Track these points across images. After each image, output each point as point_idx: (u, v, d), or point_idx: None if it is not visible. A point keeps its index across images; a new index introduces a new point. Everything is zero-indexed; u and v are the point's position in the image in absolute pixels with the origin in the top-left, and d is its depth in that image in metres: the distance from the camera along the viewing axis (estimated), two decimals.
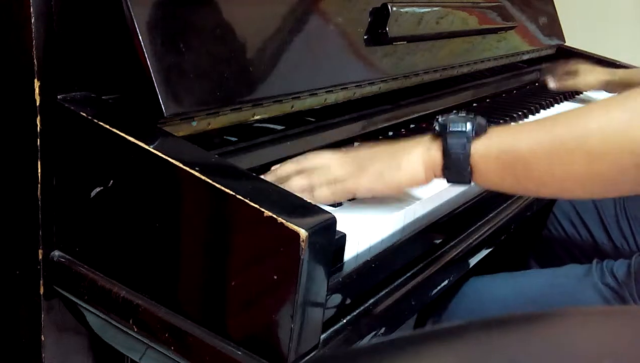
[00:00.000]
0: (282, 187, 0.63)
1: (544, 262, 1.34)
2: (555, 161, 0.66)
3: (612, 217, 1.24)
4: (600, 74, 1.48)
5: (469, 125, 0.69)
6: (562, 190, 0.70)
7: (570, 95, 1.55)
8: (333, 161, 0.75)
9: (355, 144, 0.97)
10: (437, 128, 0.72)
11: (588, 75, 1.48)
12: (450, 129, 0.70)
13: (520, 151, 0.67)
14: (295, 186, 0.72)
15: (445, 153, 0.70)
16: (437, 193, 0.83)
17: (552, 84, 1.50)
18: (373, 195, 0.74)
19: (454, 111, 0.74)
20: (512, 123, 0.82)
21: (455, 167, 0.70)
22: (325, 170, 0.73)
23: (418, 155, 0.72)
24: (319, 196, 0.72)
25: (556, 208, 1.32)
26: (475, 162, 0.69)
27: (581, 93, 1.58)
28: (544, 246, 1.35)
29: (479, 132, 0.69)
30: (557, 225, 1.32)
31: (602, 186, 0.67)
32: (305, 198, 0.58)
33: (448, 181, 0.72)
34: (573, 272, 1.03)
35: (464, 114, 0.71)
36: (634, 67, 1.66)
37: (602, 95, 1.50)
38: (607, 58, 1.70)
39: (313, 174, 0.73)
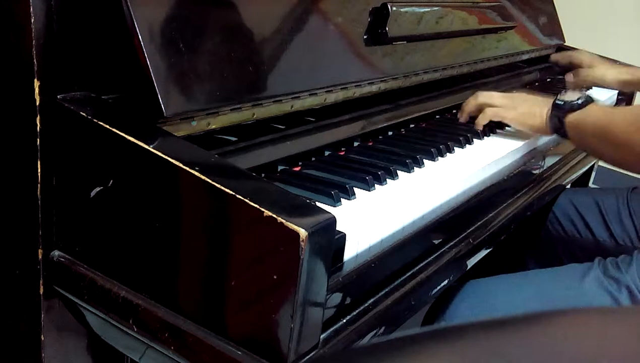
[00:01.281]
0: (465, 109, 1.12)
1: (543, 261, 1.33)
2: (595, 140, 0.99)
3: (615, 213, 1.24)
4: (621, 70, 1.47)
5: (569, 101, 1.03)
6: (602, 160, 1.05)
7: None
8: (497, 95, 1.12)
9: (355, 143, 0.97)
10: (553, 101, 1.06)
11: (607, 71, 1.47)
12: (555, 103, 1.05)
13: (584, 128, 1.01)
14: (470, 107, 1.12)
15: (550, 119, 1.05)
16: (436, 193, 0.83)
17: (570, 78, 1.50)
18: (514, 126, 1.11)
19: (574, 91, 1.07)
20: (562, 92, 1.08)
21: (556, 130, 1.05)
22: (490, 100, 1.11)
23: (544, 114, 1.06)
24: (482, 116, 1.09)
25: (556, 207, 1.32)
26: (566, 128, 1.03)
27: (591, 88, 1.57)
28: (544, 245, 1.35)
29: (574, 107, 1.02)
30: (556, 224, 1.32)
31: (624, 166, 1.00)
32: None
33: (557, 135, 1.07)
34: (575, 270, 1.03)
35: (578, 91, 1.08)
36: (633, 67, 1.66)
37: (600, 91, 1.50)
38: (607, 58, 1.69)
39: (481, 102, 1.11)
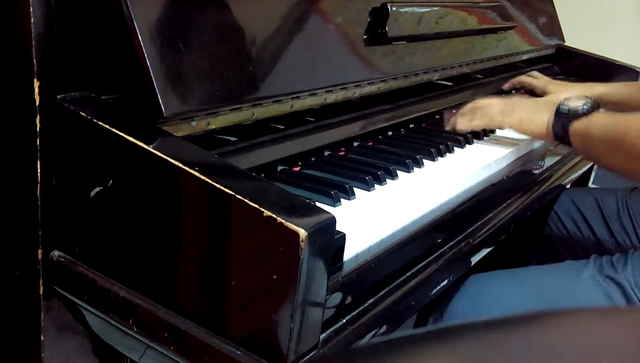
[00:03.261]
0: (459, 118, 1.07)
1: (545, 260, 1.33)
2: (606, 149, 0.93)
3: (614, 213, 1.24)
4: (578, 90, 1.36)
5: (573, 108, 0.99)
6: (611, 170, 0.96)
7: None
8: (493, 101, 1.09)
9: (355, 143, 0.97)
10: (557, 105, 1.01)
11: (563, 93, 1.35)
12: (559, 110, 1.00)
13: (591, 136, 0.96)
14: (460, 118, 1.08)
15: (554, 126, 1.00)
16: (436, 194, 0.83)
17: None
18: (512, 129, 1.07)
19: (578, 97, 1.03)
20: (566, 98, 1.02)
21: (558, 137, 1.00)
22: (486, 107, 1.08)
23: (545, 120, 1.02)
24: (475, 123, 1.06)
25: (557, 206, 1.32)
26: (570, 136, 0.98)
27: None
28: (545, 244, 1.35)
29: (579, 114, 0.98)
30: (558, 222, 1.32)
31: (636, 177, 0.94)
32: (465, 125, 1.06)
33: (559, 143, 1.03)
34: (571, 267, 1.03)
35: (583, 97, 1.01)
36: (633, 67, 1.66)
37: None
38: (607, 58, 1.70)
39: (477, 110, 1.08)
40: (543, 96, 1.38)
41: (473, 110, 1.08)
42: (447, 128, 1.10)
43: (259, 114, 0.78)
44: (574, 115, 0.98)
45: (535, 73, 1.48)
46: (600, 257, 1.02)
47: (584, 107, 0.99)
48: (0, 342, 0.74)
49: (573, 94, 1.35)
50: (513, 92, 1.51)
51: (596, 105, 1.00)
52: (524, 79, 1.45)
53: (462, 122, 1.08)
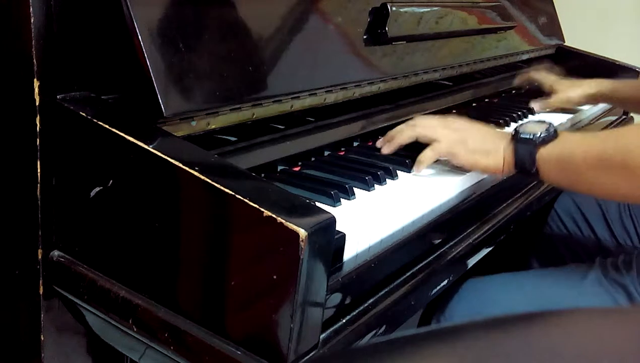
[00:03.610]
0: (396, 142, 0.90)
1: (545, 259, 1.33)
2: (602, 173, 0.79)
3: (615, 214, 1.24)
4: (585, 87, 1.37)
5: (537, 134, 0.84)
6: (609, 196, 0.87)
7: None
8: (439, 125, 0.91)
9: (355, 143, 0.97)
10: (513, 132, 0.87)
11: (570, 90, 1.37)
12: (521, 136, 0.85)
13: (574, 160, 0.81)
14: (403, 139, 0.91)
15: (516, 155, 0.85)
16: (436, 193, 0.83)
17: (537, 106, 1.36)
18: (462, 166, 0.89)
19: (532, 119, 0.91)
20: (522, 124, 0.88)
21: (523, 167, 0.85)
22: (432, 131, 0.90)
23: (501, 150, 0.87)
24: (424, 156, 0.88)
25: (558, 205, 1.32)
26: (538, 165, 0.84)
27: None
28: (545, 244, 1.35)
29: (546, 139, 0.84)
30: (558, 222, 1.32)
31: None
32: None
33: (521, 174, 0.88)
34: (575, 270, 1.02)
35: (541, 121, 0.87)
36: (633, 67, 1.66)
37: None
38: (607, 58, 1.70)
39: (421, 133, 0.90)
40: (550, 94, 1.38)
41: (413, 129, 0.92)
42: (387, 148, 0.93)
43: (259, 114, 0.78)
44: (542, 141, 0.84)
45: (542, 71, 1.48)
46: (604, 259, 1.02)
47: (549, 131, 0.85)
48: (0, 342, 0.74)
49: (580, 91, 1.36)
50: (513, 91, 1.51)
51: (554, 128, 0.86)
52: (533, 75, 1.45)
53: (400, 144, 0.92)
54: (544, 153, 0.83)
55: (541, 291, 1.00)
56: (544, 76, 1.44)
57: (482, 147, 0.88)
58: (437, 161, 0.92)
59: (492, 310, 0.99)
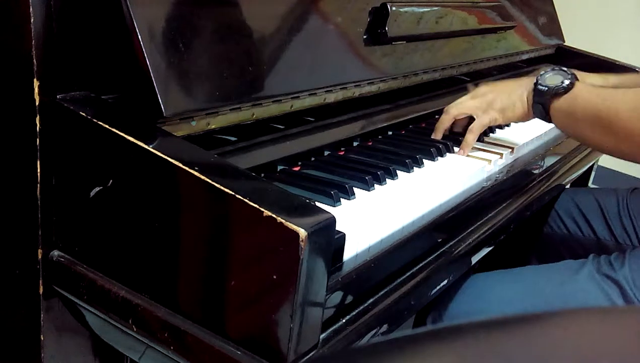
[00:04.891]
0: (441, 127, 1.02)
1: (546, 259, 1.33)
2: (593, 130, 0.89)
3: (615, 213, 1.24)
4: (591, 80, 1.31)
5: (552, 85, 0.94)
6: (599, 150, 0.99)
7: None
8: (469, 102, 1.03)
9: (355, 143, 0.97)
10: (534, 83, 0.97)
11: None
12: (538, 88, 0.96)
13: (575, 114, 0.91)
14: (444, 125, 1.03)
15: (533, 106, 0.97)
16: (436, 193, 0.83)
17: None
18: (498, 124, 1.04)
19: (556, 68, 0.98)
20: (543, 74, 0.97)
21: (539, 114, 0.97)
22: (463, 107, 1.02)
23: (524, 98, 0.99)
24: (466, 141, 0.99)
25: (558, 205, 1.32)
26: (551, 113, 0.95)
27: None
28: (545, 243, 1.35)
29: (559, 90, 0.93)
30: (559, 222, 1.32)
31: (626, 157, 0.90)
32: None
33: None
34: (569, 266, 1.03)
35: (562, 71, 0.96)
36: (633, 67, 1.66)
37: None
38: (607, 58, 1.70)
39: (452, 111, 1.03)
40: None
41: (448, 114, 1.04)
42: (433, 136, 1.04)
43: (258, 113, 0.78)
44: (555, 92, 0.93)
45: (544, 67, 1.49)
46: (598, 256, 1.02)
47: (564, 83, 0.93)
48: (0, 342, 0.74)
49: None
50: None
51: (575, 77, 0.95)
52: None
53: (445, 129, 1.04)
54: (555, 104, 0.94)
55: (535, 287, 1.00)
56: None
57: (509, 102, 1.00)
58: (437, 161, 0.93)
59: (489, 305, 0.99)
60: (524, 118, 1.01)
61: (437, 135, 1.04)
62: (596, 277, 0.97)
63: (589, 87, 0.95)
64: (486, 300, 1.00)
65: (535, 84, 0.96)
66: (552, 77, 0.95)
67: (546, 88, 0.95)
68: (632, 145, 0.85)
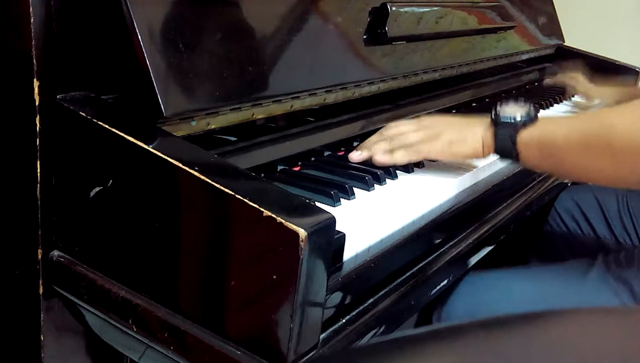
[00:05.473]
0: (367, 152, 0.88)
1: (545, 258, 1.33)
2: (585, 155, 0.77)
3: (615, 212, 1.24)
4: (614, 93, 1.39)
5: (517, 117, 0.83)
6: (591, 179, 0.86)
7: (571, 96, 1.54)
8: (410, 129, 0.90)
9: (355, 143, 0.97)
10: (492, 116, 0.86)
11: (600, 93, 1.40)
12: (501, 120, 0.84)
13: (556, 143, 0.79)
14: (378, 150, 0.88)
15: (496, 139, 0.84)
16: (436, 193, 0.83)
17: (574, 86, 1.40)
18: (441, 159, 0.90)
19: (511, 100, 0.88)
20: (501, 107, 0.86)
21: (503, 151, 0.85)
22: (404, 137, 0.88)
23: (479, 134, 0.86)
24: (398, 158, 0.87)
25: (558, 204, 1.32)
26: (520, 148, 0.82)
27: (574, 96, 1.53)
28: (545, 243, 1.35)
29: (527, 122, 0.82)
30: (558, 220, 1.32)
31: (625, 183, 0.80)
32: (386, 160, 0.85)
33: (501, 158, 0.88)
34: (576, 267, 1.02)
35: (521, 103, 0.86)
36: (633, 67, 1.66)
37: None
38: (607, 58, 1.70)
39: (393, 140, 0.88)
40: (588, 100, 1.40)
41: (390, 138, 0.89)
42: (358, 157, 0.89)
43: (258, 113, 0.78)
44: (522, 124, 0.83)
45: (577, 75, 1.48)
46: (606, 256, 1.02)
47: (530, 115, 0.84)
48: (0, 342, 0.74)
49: (614, 97, 1.36)
50: (513, 91, 1.51)
51: (535, 111, 0.85)
52: (567, 81, 1.45)
53: (381, 153, 0.88)
54: (525, 136, 0.82)
55: (543, 288, 1.00)
56: (578, 82, 1.46)
57: (458, 136, 0.87)
58: (436, 161, 0.93)
59: (493, 307, 0.99)
60: (472, 155, 0.88)
61: (360, 159, 0.88)
62: (607, 278, 0.97)
63: (558, 117, 0.88)
64: (489, 302, 1.00)
65: (495, 118, 0.85)
66: (512, 109, 0.85)
67: (511, 120, 0.83)
68: (634, 166, 0.73)
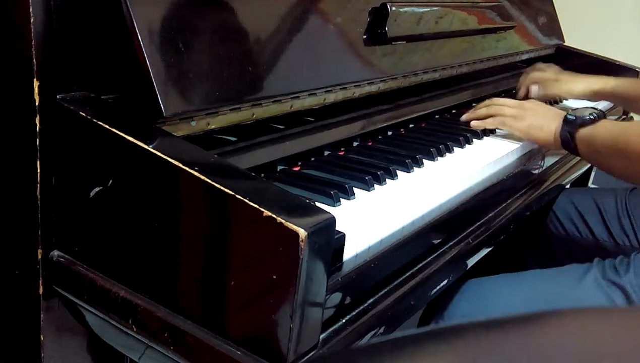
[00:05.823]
0: (471, 114, 1.14)
1: (543, 260, 1.33)
2: (611, 156, 0.97)
3: (613, 214, 1.24)
4: (588, 82, 1.37)
5: (579, 117, 1.02)
6: (617, 175, 1.00)
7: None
8: (509, 104, 1.12)
9: (355, 143, 0.97)
10: (565, 115, 1.05)
11: (573, 83, 1.38)
12: (567, 118, 1.03)
13: (596, 144, 0.99)
14: (477, 113, 1.14)
15: (561, 134, 1.03)
16: (436, 193, 0.83)
17: (535, 90, 1.37)
18: (520, 136, 1.09)
19: (585, 107, 1.09)
20: (576, 109, 1.07)
21: (566, 144, 1.03)
22: (501, 108, 1.11)
23: (553, 126, 1.05)
24: (488, 123, 1.11)
25: (556, 206, 1.32)
26: (575, 144, 1.02)
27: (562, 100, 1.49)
28: (544, 245, 1.35)
29: (586, 122, 1.01)
30: (556, 223, 1.32)
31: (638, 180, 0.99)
32: (478, 124, 1.11)
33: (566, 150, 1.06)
34: (574, 271, 1.03)
35: (593, 107, 1.06)
36: (633, 67, 1.66)
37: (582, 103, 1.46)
38: (607, 58, 1.70)
39: (492, 107, 1.12)
40: (555, 86, 1.39)
41: (488, 108, 1.12)
42: (464, 117, 1.15)
43: (258, 114, 0.78)
44: (581, 123, 1.01)
45: (540, 65, 1.48)
46: (602, 260, 1.02)
47: (591, 116, 1.01)
48: (0, 342, 0.74)
49: (583, 86, 1.36)
50: (513, 91, 1.51)
51: (602, 114, 1.03)
52: (535, 76, 1.43)
53: (476, 118, 1.12)
54: (580, 134, 1.00)
55: (540, 291, 1.00)
56: (543, 69, 1.44)
57: (538, 123, 1.06)
58: (436, 161, 0.93)
59: (492, 310, 0.99)
60: (545, 143, 1.07)
61: (467, 118, 1.13)
62: (601, 282, 0.98)
63: (613, 122, 1.04)
64: (488, 305, 1.00)
65: (566, 115, 1.04)
66: (581, 110, 1.04)
67: (574, 118, 1.02)
68: (637, 167, 0.92)
